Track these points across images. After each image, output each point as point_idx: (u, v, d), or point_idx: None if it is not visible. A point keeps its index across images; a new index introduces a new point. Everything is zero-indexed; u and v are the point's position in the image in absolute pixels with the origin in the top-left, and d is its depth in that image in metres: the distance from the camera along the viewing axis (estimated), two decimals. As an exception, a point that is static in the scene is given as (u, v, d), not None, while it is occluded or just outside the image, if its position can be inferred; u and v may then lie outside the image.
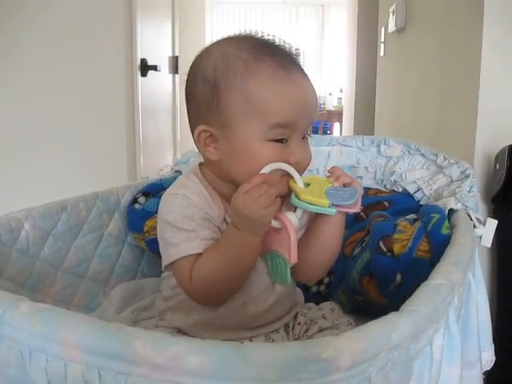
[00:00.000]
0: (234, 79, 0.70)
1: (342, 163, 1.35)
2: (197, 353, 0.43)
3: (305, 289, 1.10)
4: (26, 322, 0.46)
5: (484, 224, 0.96)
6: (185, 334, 0.80)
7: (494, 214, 1.27)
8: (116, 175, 2.25)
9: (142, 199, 1.12)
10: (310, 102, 0.73)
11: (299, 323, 0.86)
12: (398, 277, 0.84)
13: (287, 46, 0.76)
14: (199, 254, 0.72)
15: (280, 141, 0.71)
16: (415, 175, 1.21)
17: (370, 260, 0.90)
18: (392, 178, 1.24)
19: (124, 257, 1.09)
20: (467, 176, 1.09)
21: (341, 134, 5.67)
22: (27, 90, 2.18)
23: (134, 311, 1.00)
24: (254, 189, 0.67)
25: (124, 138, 2.28)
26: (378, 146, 1.32)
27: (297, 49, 0.75)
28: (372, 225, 0.95)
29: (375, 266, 0.87)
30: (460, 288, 0.68)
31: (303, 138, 0.75)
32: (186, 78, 0.77)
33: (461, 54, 1.56)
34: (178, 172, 1.25)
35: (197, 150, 0.80)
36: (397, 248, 0.87)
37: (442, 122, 1.70)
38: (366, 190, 1.29)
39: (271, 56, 0.71)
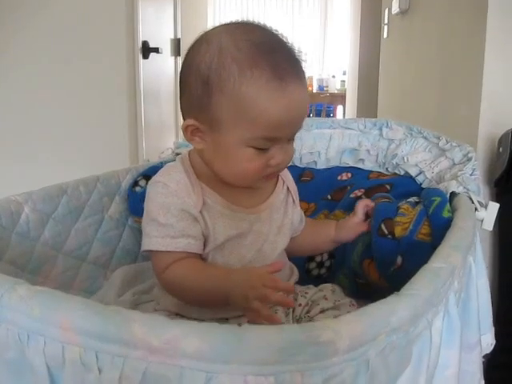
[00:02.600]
0: (226, 82, 0.68)
1: (344, 146, 1.34)
2: (194, 336, 0.43)
3: (306, 272, 1.10)
4: (23, 305, 0.46)
5: (486, 207, 0.96)
6: (182, 316, 0.80)
7: (496, 198, 1.26)
8: (118, 158, 2.24)
9: (142, 182, 1.12)
10: (300, 113, 0.73)
11: (300, 304, 0.86)
12: (399, 259, 0.84)
13: (288, 46, 0.73)
14: (173, 253, 0.74)
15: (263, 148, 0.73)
16: (417, 158, 1.21)
17: (371, 243, 0.90)
18: (394, 161, 1.24)
19: (125, 240, 1.09)
20: (469, 159, 1.08)
21: (344, 117, 5.64)
22: (28, 74, 2.17)
23: (134, 294, 1.00)
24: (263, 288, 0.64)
25: (126, 120, 2.27)
26: (380, 128, 1.31)
27: (298, 50, 0.74)
28: (375, 204, 0.95)
29: (376, 249, 0.87)
30: (460, 271, 0.68)
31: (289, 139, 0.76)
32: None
33: (465, 37, 1.54)
34: (179, 155, 1.25)
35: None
36: (398, 231, 0.87)
37: (446, 104, 1.68)
38: (368, 172, 1.28)
39: (268, 62, 0.68)
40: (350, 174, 1.29)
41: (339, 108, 6.00)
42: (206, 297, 0.72)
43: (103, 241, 1.03)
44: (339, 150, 1.34)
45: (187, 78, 0.74)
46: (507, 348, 1.05)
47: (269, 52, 0.69)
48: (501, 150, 1.29)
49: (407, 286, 0.56)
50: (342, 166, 1.33)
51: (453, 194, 0.98)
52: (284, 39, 0.74)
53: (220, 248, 0.78)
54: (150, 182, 0.79)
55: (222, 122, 0.71)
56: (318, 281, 1.08)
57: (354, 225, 0.93)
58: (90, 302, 0.47)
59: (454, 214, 0.88)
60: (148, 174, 1.14)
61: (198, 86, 0.71)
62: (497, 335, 0.96)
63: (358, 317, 0.49)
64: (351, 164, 1.31)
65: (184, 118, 0.76)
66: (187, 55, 0.75)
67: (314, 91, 6.44)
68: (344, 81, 5.78)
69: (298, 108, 0.71)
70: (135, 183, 1.12)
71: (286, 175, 0.89)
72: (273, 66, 0.68)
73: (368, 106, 3.78)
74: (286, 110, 0.69)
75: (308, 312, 0.84)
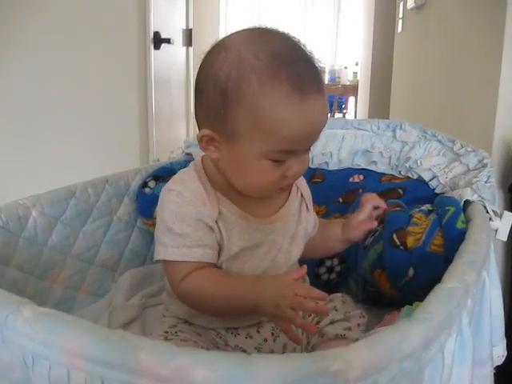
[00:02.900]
0: (245, 94, 0.66)
1: (357, 147, 1.32)
2: (202, 365, 0.42)
3: (315, 276, 1.09)
4: (28, 329, 0.45)
5: (500, 217, 0.94)
6: (191, 324, 0.80)
7: (511, 203, 1.24)
8: (128, 148, 2.26)
9: (152, 183, 1.11)
10: (320, 125, 0.70)
11: (310, 315, 0.85)
12: (411, 271, 0.83)
13: (309, 55, 0.70)
14: (189, 263, 0.72)
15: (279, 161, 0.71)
16: (431, 162, 1.18)
17: (382, 252, 0.88)
18: (407, 164, 1.22)
19: (133, 242, 1.08)
20: (484, 165, 1.06)
21: (356, 107, 5.59)
22: (40, 63, 2.16)
23: (142, 297, 1.00)
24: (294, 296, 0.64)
25: (136, 110, 2.27)
26: (394, 130, 1.29)
27: (319, 61, 0.71)
28: (388, 213, 0.93)
29: (387, 259, 0.85)
30: (474, 289, 0.67)
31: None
32: (198, 64, 0.73)
33: (482, 36, 1.50)
34: (189, 155, 1.24)
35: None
36: (410, 241, 0.85)
37: (461, 104, 1.65)
38: (380, 175, 1.27)
39: (288, 75, 0.65)
40: (362, 176, 1.28)
41: (351, 99, 5.94)
42: (230, 306, 0.71)
43: (112, 243, 1.02)
44: (351, 151, 1.32)
45: (204, 86, 0.71)
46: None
47: (289, 63, 0.66)
48: (516, 153, 1.27)
49: (420, 309, 0.55)
50: (354, 167, 1.31)
51: (467, 203, 0.96)
52: (304, 48, 0.71)
53: (233, 258, 0.77)
54: (163, 189, 0.77)
55: (239, 134, 0.68)
56: (327, 286, 1.07)
57: (360, 223, 0.89)
58: (96, 326, 0.45)
59: (468, 224, 0.86)
60: (157, 174, 1.13)
61: (216, 96, 0.68)
62: (508, 345, 0.95)
63: (370, 345, 0.47)
64: (363, 166, 1.29)
65: (199, 127, 0.74)
66: (204, 62, 0.72)
67: (326, 82, 6.37)
68: (356, 72, 5.72)
69: (319, 121, 0.69)
70: (144, 184, 1.11)
71: (300, 181, 0.87)
72: (293, 79, 0.65)
73: (381, 98, 3.74)
74: (307, 124, 0.67)
75: (317, 323, 0.82)
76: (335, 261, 1.09)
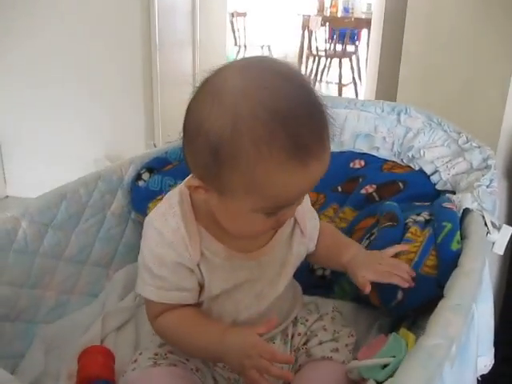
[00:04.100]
0: (239, 160, 0.60)
1: (359, 129, 1.28)
2: None
3: (310, 271, 1.09)
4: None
5: (499, 229, 0.92)
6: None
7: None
8: (131, 83, 2.44)
9: (145, 175, 1.09)
10: (319, 179, 0.65)
11: (299, 334, 0.84)
12: (400, 295, 0.82)
13: (314, 106, 0.62)
14: (165, 304, 0.73)
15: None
16: (434, 153, 1.15)
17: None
18: (410, 154, 1.18)
19: (128, 235, 1.08)
20: (488, 167, 1.03)
21: (368, 40, 5.39)
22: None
23: (136, 296, 1.00)
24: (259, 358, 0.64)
25: (139, 38, 2.35)
26: (399, 114, 1.24)
27: (322, 98, 0.64)
28: (379, 230, 0.91)
29: (376, 283, 0.84)
30: (460, 337, 0.66)
31: None
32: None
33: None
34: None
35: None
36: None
37: (474, 77, 1.58)
38: (382, 162, 1.23)
39: (289, 137, 0.59)
40: (363, 162, 1.25)
41: (364, 32, 5.73)
42: (198, 352, 0.73)
43: (105, 240, 1.02)
44: (354, 134, 1.28)
45: (193, 138, 0.64)
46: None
47: (289, 123, 0.59)
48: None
49: (396, 379, 0.55)
50: (355, 151, 1.27)
51: (466, 210, 0.94)
52: (306, 93, 0.63)
53: (215, 297, 0.76)
54: (146, 220, 0.75)
55: (232, 192, 0.64)
56: (321, 281, 1.07)
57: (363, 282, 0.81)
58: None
59: (464, 242, 0.84)
60: (152, 166, 1.11)
61: (206, 154, 0.62)
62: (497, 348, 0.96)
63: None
64: (365, 150, 1.26)
65: (188, 167, 0.69)
66: (194, 110, 0.65)
67: (339, 15, 6.15)
68: (370, 4, 5.47)
69: (319, 177, 0.65)
70: (138, 176, 1.09)
71: None
72: (294, 142, 0.59)
73: (393, 32, 3.58)
74: (306, 185, 0.64)
75: (305, 343, 0.83)
76: (330, 256, 1.08)
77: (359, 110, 1.28)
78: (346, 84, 5.47)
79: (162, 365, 0.74)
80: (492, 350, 0.94)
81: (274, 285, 0.80)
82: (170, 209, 0.73)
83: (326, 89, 5.93)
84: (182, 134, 0.67)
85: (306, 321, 0.86)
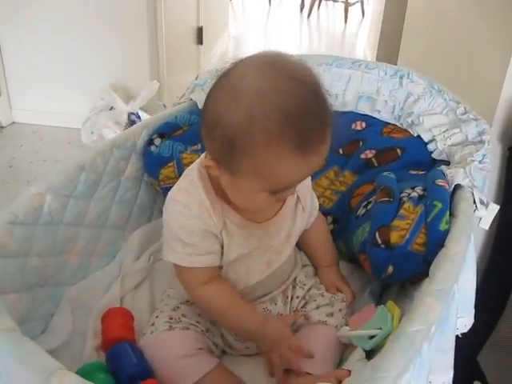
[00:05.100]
0: (251, 149, 0.69)
1: (362, 89, 1.32)
2: None
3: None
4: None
5: (486, 206, 0.99)
6: (192, 303, 0.91)
7: (508, 162, 1.27)
8: (136, 14, 2.51)
9: (157, 141, 1.15)
10: (320, 166, 0.77)
11: (297, 297, 0.96)
12: (390, 269, 0.90)
13: (320, 104, 0.72)
14: (199, 268, 0.83)
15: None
16: (432, 121, 1.20)
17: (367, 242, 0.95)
18: (409, 119, 1.23)
19: (141, 197, 1.15)
20: (482, 142, 1.08)
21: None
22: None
23: (150, 255, 1.10)
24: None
25: None
26: (401, 77, 1.28)
27: (328, 92, 0.73)
28: (375, 205, 0.98)
29: (369, 255, 0.93)
30: (440, 318, 0.75)
31: None
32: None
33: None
34: (194, 102, 1.25)
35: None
36: (394, 237, 0.91)
37: (476, 47, 1.58)
38: (383, 124, 1.28)
39: (296, 133, 0.68)
40: (364, 124, 1.29)
41: None
42: (238, 329, 0.87)
43: (121, 203, 1.09)
44: (356, 94, 1.32)
45: (211, 130, 0.73)
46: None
47: (297, 121, 0.68)
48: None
49: (377, 368, 0.63)
50: (357, 112, 1.32)
51: (457, 186, 1.00)
52: (320, 95, 0.72)
53: (232, 262, 0.86)
54: (169, 196, 0.84)
55: (241, 175, 0.73)
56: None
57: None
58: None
59: (452, 221, 0.91)
60: (163, 131, 1.16)
61: (223, 145, 0.71)
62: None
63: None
64: (367, 112, 1.30)
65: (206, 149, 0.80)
66: (212, 107, 0.74)
67: None
68: None
69: (320, 164, 0.76)
70: (150, 141, 1.14)
71: None
72: (300, 140, 0.69)
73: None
74: (309, 172, 0.77)
75: (304, 306, 0.95)
76: (329, 219, 1.16)
77: (363, 72, 1.31)
78: (352, 3, 5.30)
79: (176, 328, 0.85)
80: (472, 311, 1.04)
81: (280, 253, 0.91)
82: (192, 185, 0.83)
83: (332, 8, 5.75)
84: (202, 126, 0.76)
85: (304, 285, 0.98)
